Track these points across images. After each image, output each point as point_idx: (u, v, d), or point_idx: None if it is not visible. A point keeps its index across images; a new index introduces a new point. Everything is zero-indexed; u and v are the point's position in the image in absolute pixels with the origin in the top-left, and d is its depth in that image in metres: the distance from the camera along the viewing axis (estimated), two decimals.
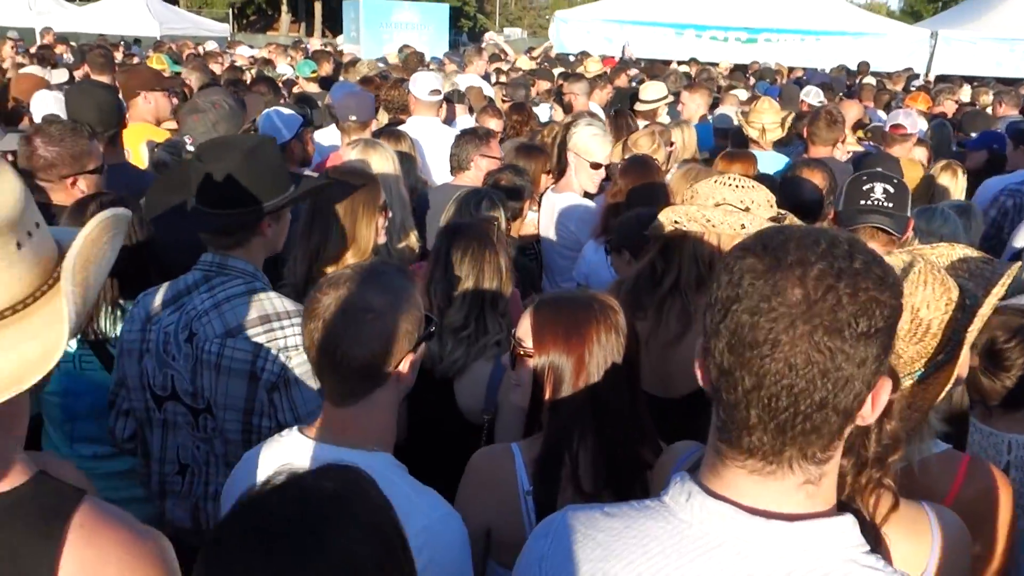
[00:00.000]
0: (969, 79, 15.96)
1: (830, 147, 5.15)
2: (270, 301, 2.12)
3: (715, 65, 16.14)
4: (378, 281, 1.62)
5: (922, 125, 6.72)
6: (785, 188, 3.72)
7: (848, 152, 5.83)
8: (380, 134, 5.02)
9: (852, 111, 7.31)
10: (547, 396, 1.81)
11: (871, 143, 6.73)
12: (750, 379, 0.99)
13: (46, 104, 4.91)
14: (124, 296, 2.49)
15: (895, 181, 3.03)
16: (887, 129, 5.73)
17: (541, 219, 4.43)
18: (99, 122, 3.65)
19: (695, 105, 7.31)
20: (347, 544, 1.08)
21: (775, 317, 0.96)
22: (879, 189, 2.95)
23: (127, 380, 2.23)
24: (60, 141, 2.99)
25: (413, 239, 3.50)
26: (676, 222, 2.44)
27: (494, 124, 5.89)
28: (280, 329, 2.08)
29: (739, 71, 15.07)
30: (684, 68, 14.15)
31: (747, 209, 2.44)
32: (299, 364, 2.07)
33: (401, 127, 5.67)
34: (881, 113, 9.53)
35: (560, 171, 4.68)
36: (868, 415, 1.02)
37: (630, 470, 1.76)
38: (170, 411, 2.17)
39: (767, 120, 5.57)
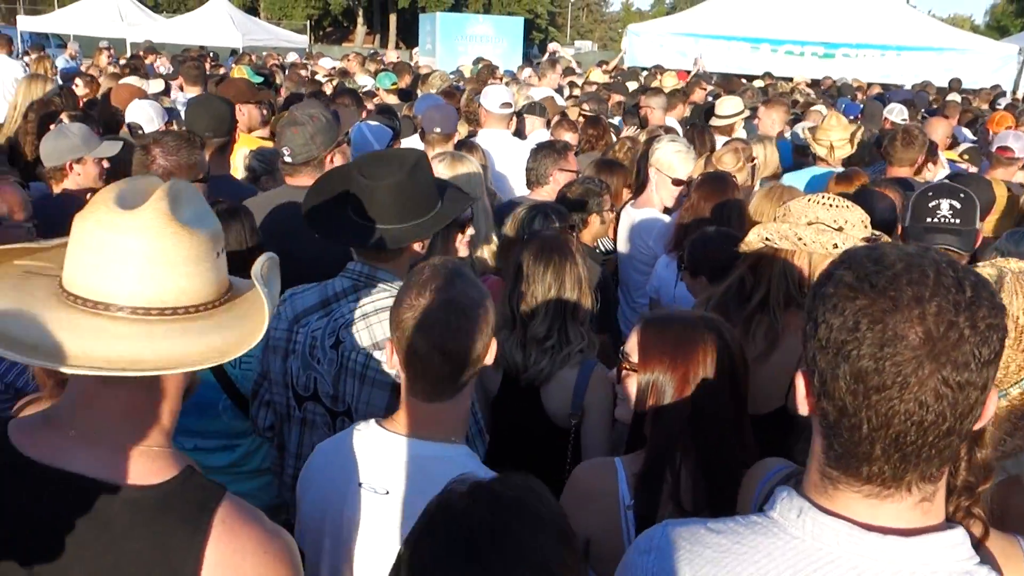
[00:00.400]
0: None
1: (908, 167, 4.99)
2: None
3: (790, 80, 15.89)
4: (466, 277, 1.71)
5: None
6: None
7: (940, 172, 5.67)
8: (457, 147, 5.12)
9: (940, 129, 7.10)
10: (650, 412, 1.84)
11: (963, 164, 6.53)
12: (877, 419, 1.00)
13: (139, 113, 5.16)
14: None
15: (962, 195, 2.97)
16: (993, 150, 5.55)
17: (619, 234, 4.46)
18: (212, 131, 3.89)
19: (771, 121, 7.24)
20: (540, 547, 1.13)
21: (900, 360, 0.97)
22: (945, 205, 2.89)
23: (270, 374, 2.32)
24: (177, 151, 3.21)
25: (490, 251, 3.56)
26: (767, 239, 2.45)
27: (569, 138, 5.93)
28: None
29: (814, 87, 14.82)
30: (758, 83, 13.98)
31: (840, 229, 2.44)
32: None
33: (472, 139, 5.79)
34: (966, 131, 9.26)
35: (639, 186, 4.70)
36: (977, 426, 1.05)
37: (731, 489, 1.77)
38: (309, 410, 2.26)
39: (835, 137, 5.47)
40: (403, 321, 1.66)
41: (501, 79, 10.87)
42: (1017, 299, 1.51)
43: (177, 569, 1.15)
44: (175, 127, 5.38)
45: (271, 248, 2.96)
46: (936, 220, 2.87)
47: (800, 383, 1.11)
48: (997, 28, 47.91)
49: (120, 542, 1.15)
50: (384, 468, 1.70)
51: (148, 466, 1.21)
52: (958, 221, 2.87)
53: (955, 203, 2.92)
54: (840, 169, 5.37)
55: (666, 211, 4.37)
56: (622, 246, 4.40)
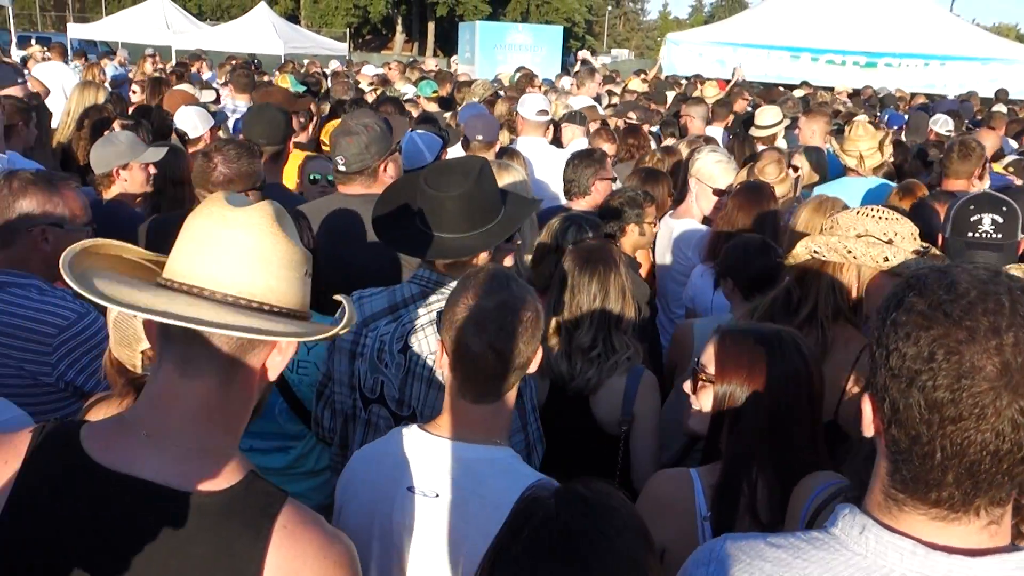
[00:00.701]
0: None
1: (965, 180, 4.90)
2: None
3: (830, 90, 15.73)
4: (518, 281, 1.75)
5: None
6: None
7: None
8: (498, 154, 5.18)
9: (989, 141, 6.98)
10: (726, 424, 1.87)
11: (1010, 177, 6.42)
12: (951, 448, 1.00)
13: (185, 119, 5.29)
14: None
15: (1004, 208, 2.93)
16: None
17: (657, 244, 4.46)
18: (266, 139, 4.00)
19: (811, 131, 7.16)
20: (628, 544, 1.18)
21: (978, 392, 0.97)
22: (987, 221, 2.86)
23: (336, 375, 2.37)
24: (237, 160, 3.29)
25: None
26: (815, 252, 2.45)
27: (607, 147, 5.93)
28: None
29: (855, 96, 14.65)
30: (798, 92, 13.85)
31: (890, 241, 2.43)
32: None
33: (513, 147, 5.84)
34: (1013, 143, 9.10)
35: (679, 196, 4.70)
36: None
37: None
38: (374, 413, 2.31)
39: (864, 146, 5.39)
40: (456, 321, 1.70)
41: (540, 88, 10.92)
42: None
43: (240, 573, 1.19)
44: (221, 134, 5.50)
45: (324, 254, 3.05)
46: (978, 235, 2.85)
47: (867, 407, 1.12)
48: None
49: (186, 547, 1.19)
50: (432, 472, 1.72)
51: (215, 471, 1.24)
52: (1000, 236, 2.85)
53: (997, 217, 2.89)
54: (874, 179, 5.32)
55: (706, 221, 4.36)
56: (660, 256, 4.40)
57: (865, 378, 2.25)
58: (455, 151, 5.88)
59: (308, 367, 2.67)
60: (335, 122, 5.47)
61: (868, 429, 1.12)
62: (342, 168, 3.27)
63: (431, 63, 17.15)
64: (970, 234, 2.86)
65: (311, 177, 4.63)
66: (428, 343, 2.21)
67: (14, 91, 5.79)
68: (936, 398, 1.00)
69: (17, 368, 2.33)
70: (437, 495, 1.70)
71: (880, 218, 2.47)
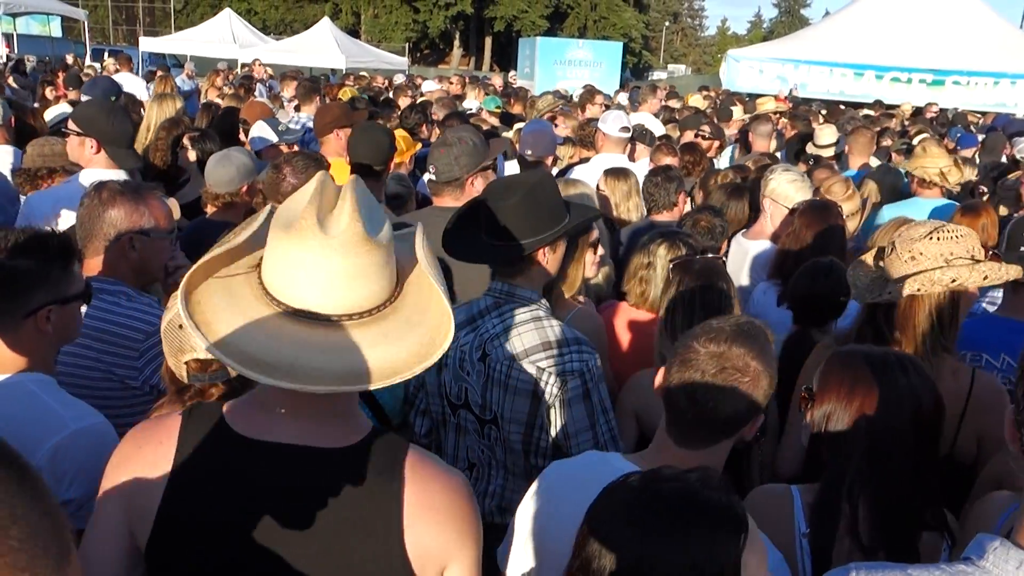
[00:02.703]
0: None
1: None
2: (552, 329, 2.32)
3: (896, 107, 15.43)
4: (755, 343, 1.71)
5: None
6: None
7: None
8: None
9: None
10: (826, 444, 1.85)
11: None
12: None
13: (258, 132, 5.41)
14: None
15: None
16: None
17: (730, 264, 4.40)
18: (369, 159, 4.04)
19: (858, 151, 6.99)
20: (732, 505, 1.23)
21: None
22: None
23: (427, 386, 2.50)
24: (304, 171, 3.39)
25: (604, 274, 3.59)
26: (918, 290, 2.37)
27: (670, 161, 5.91)
28: (560, 356, 2.27)
29: (917, 115, 14.32)
30: (866, 111, 13.60)
31: (976, 259, 2.37)
32: (574, 388, 2.26)
33: (589, 163, 5.83)
34: None
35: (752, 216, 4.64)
36: None
37: (907, 530, 1.74)
38: (462, 417, 2.43)
39: (943, 164, 5.25)
40: (682, 371, 1.71)
41: (601, 103, 10.90)
42: None
43: (385, 512, 1.34)
44: (286, 148, 5.60)
45: None
46: None
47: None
48: None
49: (336, 496, 1.34)
50: None
51: (346, 430, 1.39)
52: None
53: None
54: (940, 199, 5.17)
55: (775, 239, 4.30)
56: (734, 276, 4.33)
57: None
58: (511, 167, 5.92)
59: None
60: (398, 132, 5.55)
61: (1018, 451, 1.13)
62: (432, 178, 3.35)
63: (498, 80, 17.25)
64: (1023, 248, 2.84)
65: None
66: (504, 350, 2.29)
67: None
68: None
69: (107, 372, 2.41)
70: None
71: (958, 237, 2.40)
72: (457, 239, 2.46)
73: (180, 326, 1.78)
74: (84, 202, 2.58)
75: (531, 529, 1.83)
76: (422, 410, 2.59)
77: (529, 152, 5.21)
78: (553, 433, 2.29)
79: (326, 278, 1.28)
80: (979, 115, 15.07)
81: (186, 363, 1.80)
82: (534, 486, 1.88)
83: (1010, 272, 2.40)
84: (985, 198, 5.72)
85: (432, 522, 1.37)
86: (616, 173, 4.74)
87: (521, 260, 2.33)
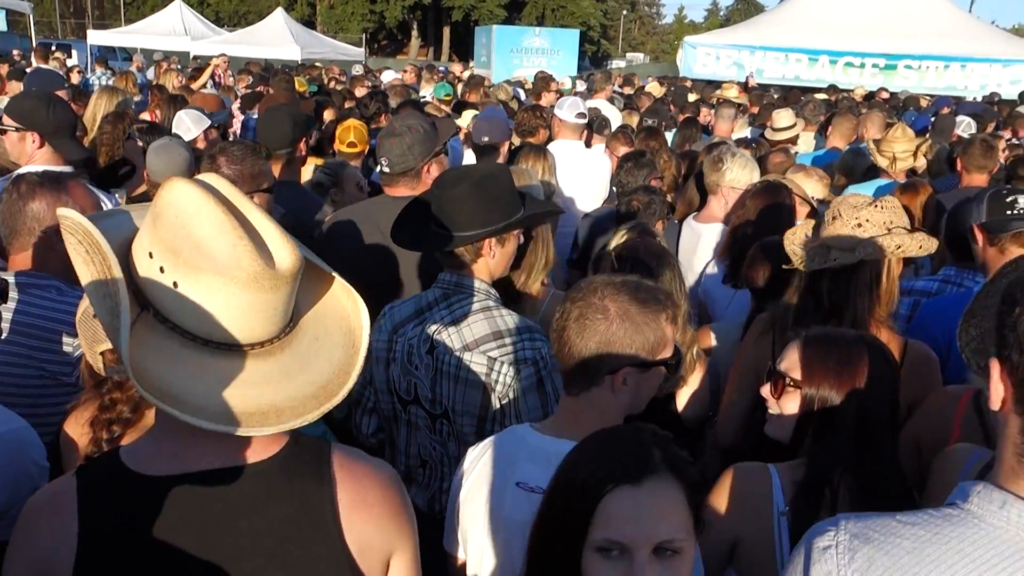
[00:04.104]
0: None
1: (986, 176, 4.89)
2: (502, 318, 2.28)
3: (850, 91, 15.64)
4: (631, 293, 1.73)
5: None
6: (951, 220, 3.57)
7: None
8: (520, 152, 5.13)
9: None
10: (814, 428, 1.87)
11: None
12: None
13: (180, 123, 5.27)
14: None
15: None
16: None
17: (682, 248, 4.39)
18: (275, 143, 3.96)
19: (839, 134, 7.09)
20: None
21: None
22: (1022, 200, 3.02)
23: (375, 382, 2.44)
24: (241, 161, 3.25)
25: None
26: (870, 254, 2.41)
27: (624, 150, 5.90)
28: (512, 344, 2.24)
29: (868, 99, 14.51)
30: (821, 96, 13.76)
31: (911, 230, 2.47)
32: (527, 376, 2.22)
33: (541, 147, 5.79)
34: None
35: (699, 198, 4.64)
36: None
37: (884, 507, 1.79)
38: (413, 413, 2.38)
39: (898, 149, 5.36)
40: (558, 313, 1.80)
41: (557, 91, 10.87)
42: None
43: (320, 516, 1.30)
44: (222, 135, 5.47)
45: (373, 257, 3.02)
46: (1015, 212, 2.96)
47: (996, 382, 1.15)
48: None
49: (265, 512, 1.28)
50: (536, 467, 1.76)
51: (263, 442, 1.31)
52: None
53: None
54: (904, 181, 5.26)
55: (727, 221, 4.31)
56: (686, 260, 4.33)
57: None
58: (467, 157, 5.86)
59: None
60: (351, 122, 5.46)
61: (996, 403, 1.15)
62: (386, 169, 3.27)
63: (457, 68, 17.09)
64: (1008, 212, 2.97)
65: (358, 185, 4.65)
66: (452, 341, 2.25)
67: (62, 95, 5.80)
68: None
69: (38, 369, 2.32)
70: (542, 490, 1.72)
71: (896, 208, 2.48)
72: (406, 228, 2.43)
73: (95, 315, 1.71)
74: (3, 197, 2.48)
75: (465, 511, 1.86)
76: (370, 409, 2.53)
77: (486, 138, 5.15)
78: (506, 424, 2.24)
79: (270, 311, 1.22)
80: (929, 98, 15.32)
81: (101, 353, 1.73)
82: (459, 472, 1.91)
83: (934, 244, 2.50)
84: None
85: (370, 517, 1.36)
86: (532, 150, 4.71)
87: (469, 251, 2.30)
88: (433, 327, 2.29)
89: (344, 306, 1.37)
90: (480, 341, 2.23)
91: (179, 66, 14.44)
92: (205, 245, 1.16)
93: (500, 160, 4.75)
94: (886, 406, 1.87)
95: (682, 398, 2.61)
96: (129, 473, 1.27)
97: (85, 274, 1.21)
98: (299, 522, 1.29)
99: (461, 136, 6.49)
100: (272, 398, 1.21)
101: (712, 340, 2.94)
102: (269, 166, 3.51)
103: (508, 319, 2.27)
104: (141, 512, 1.26)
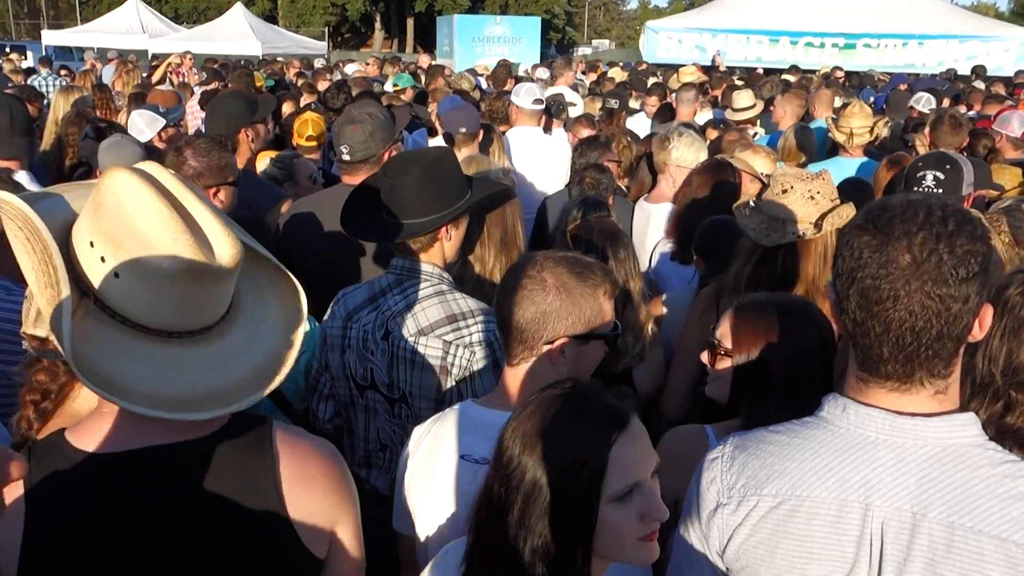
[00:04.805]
0: None
1: (955, 152, 4.97)
2: (456, 302, 2.29)
3: (813, 72, 15.79)
4: (569, 267, 1.77)
5: None
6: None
7: None
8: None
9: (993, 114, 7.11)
10: (747, 392, 1.93)
11: None
12: (880, 326, 1.27)
13: (133, 124, 5.20)
14: None
15: (947, 166, 3.23)
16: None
17: (635, 228, 4.43)
18: (218, 131, 3.96)
19: (782, 112, 7.12)
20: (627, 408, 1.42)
21: (893, 279, 1.24)
22: (930, 177, 3.21)
23: (331, 369, 2.45)
24: (208, 153, 3.24)
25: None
26: (835, 225, 2.47)
27: (587, 133, 5.93)
28: (466, 327, 2.25)
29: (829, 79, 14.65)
30: (788, 76, 13.87)
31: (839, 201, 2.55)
32: (482, 358, 2.24)
33: (503, 137, 5.80)
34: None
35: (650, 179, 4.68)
36: (978, 334, 1.30)
37: None
38: (370, 398, 2.39)
39: (855, 125, 5.42)
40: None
41: (516, 78, 10.86)
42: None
43: (262, 488, 1.33)
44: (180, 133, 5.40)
45: (333, 246, 3.01)
46: (920, 189, 3.12)
47: (833, 311, 1.38)
48: (1022, 15, 47.12)
49: (209, 486, 1.31)
50: (479, 439, 1.78)
51: (203, 421, 1.32)
52: (940, 191, 3.18)
53: (939, 174, 3.22)
54: (863, 158, 5.34)
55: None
56: (638, 240, 4.37)
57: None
58: (437, 144, 5.84)
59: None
60: (309, 115, 5.44)
61: (839, 329, 1.36)
62: (347, 158, 3.25)
63: (425, 59, 16.97)
64: (915, 188, 3.15)
65: (311, 177, 4.63)
66: (407, 326, 2.26)
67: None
68: (865, 286, 1.27)
69: None
70: (487, 460, 1.74)
71: (831, 180, 2.54)
72: (356, 218, 2.42)
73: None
74: None
75: (412, 488, 1.89)
76: (326, 395, 2.54)
77: (463, 129, 5.14)
78: None
79: (211, 301, 1.25)
80: (888, 75, 15.52)
81: (24, 335, 1.72)
82: (404, 452, 1.93)
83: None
84: None
85: (312, 489, 1.39)
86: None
87: (424, 236, 2.30)
88: (388, 312, 2.30)
89: (285, 293, 1.39)
90: (435, 325, 2.24)
91: (142, 64, 14.20)
92: (146, 237, 1.18)
93: (476, 150, 4.75)
94: (816, 366, 1.91)
95: (640, 374, 2.65)
96: (74, 452, 1.30)
97: (25, 261, 1.21)
98: (242, 494, 1.32)
99: (438, 125, 6.47)
100: (211, 383, 1.23)
101: (663, 311, 2.98)
102: (235, 160, 3.50)
103: (462, 302, 2.29)
104: (86, 490, 1.28)
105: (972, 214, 1.28)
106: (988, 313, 1.29)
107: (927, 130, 5.51)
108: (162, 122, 5.09)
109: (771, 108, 7.47)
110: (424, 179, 2.28)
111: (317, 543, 1.39)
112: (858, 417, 1.32)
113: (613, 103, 7.70)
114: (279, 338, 1.33)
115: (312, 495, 1.38)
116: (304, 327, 1.33)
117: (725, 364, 2.00)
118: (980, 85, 12.82)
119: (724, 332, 2.02)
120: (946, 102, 9.81)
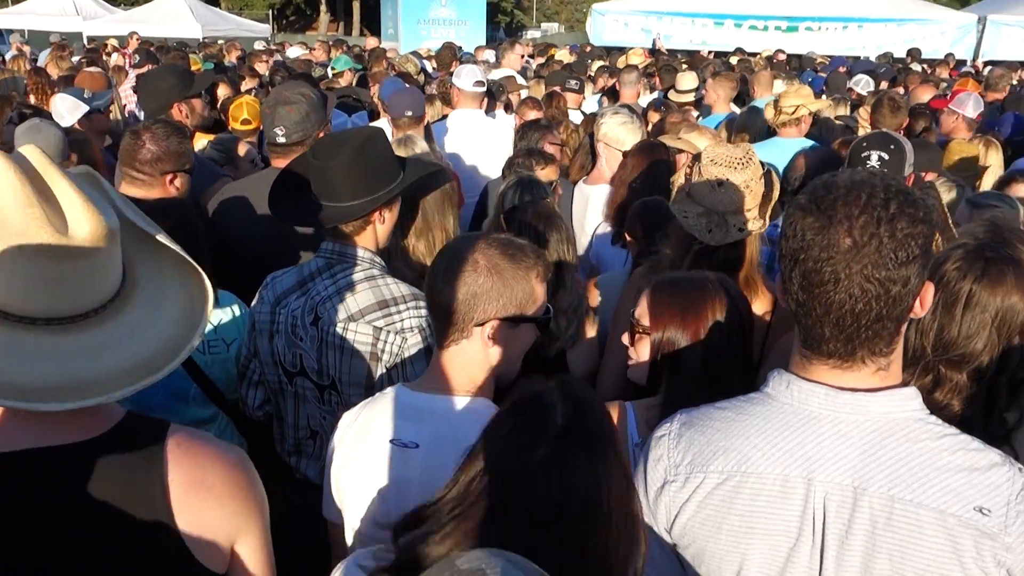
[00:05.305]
0: (1021, 65, 15.55)
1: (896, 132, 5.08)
2: (387, 287, 2.25)
3: (755, 55, 15.96)
4: (500, 248, 1.75)
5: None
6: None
7: None
8: None
9: (927, 96, 7.32)
10: (665, 369, 1.93)
11: None
12: (821, 308, 1.28)
13: (54, 109, 5.03)
14: None
15: (892, 146, 3.26)
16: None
17: (574, 210, 4.42)
18: (149, 111, 3.85)
19: (715, 96, 7.17)
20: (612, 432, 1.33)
21: (834, 262, 1.24)
22: (874, 156, 3.23)
23: (260, 355, 2.39)
24: (166, 139, 3.15)
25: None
26: (770, 219, 2.50)
27: (534, 115, 5.91)
28: (397, 313, 2.21)
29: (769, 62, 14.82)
30: (734, 59, 13.99)
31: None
32: (414, 344, 2.21)
33: (446, 120, 5.74)
34: None
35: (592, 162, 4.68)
36: (919, 312, 1.32)
37: None
38: (299, 385, 2.34)
39: (785, 103, 5.48)
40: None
41: (460, 60, 10.75)
42: None
43: (148, 496, 1.26)
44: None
45: (265, 232, 2.94)
46: (869, 165, 3.15)
47: (778, 287, 1.39)
48: None
49: (92, 491, 1.24)
50: (409, 423, 1.77)
51: (89, 422, 1.27)
52: (885, 171, 3.07)
53: (884, 154, 3.23)
54: (804, 140, 5.38)
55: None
56: (578, 223, 4.37)
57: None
58: (383, 128, 5.74)
59: (217, 345, 2.67)
60: (245, 98, 5.31)
61: (783, 302, 1.37)
62: (281, 140, 3.16)
63: (373, 42, 16.68)
64: (859, 168, 3.06)
65: (252, 161, 4.52)
66: (337, 312, 2.22)
67: None
68: (807, 267, 1.27)
69: None
70: (417, 445, 1.75)
71: (751, 160, 2.49)
72: (284, 203, 2.37)
73: None
74: None
75: (340, 474, 1.86)
76: (255, 382, 2.49)
77: (409, 113, 5.07)
78: None
79: (69, 281, 1.17)
80: (829, 58, 15.77)
81: None
82: (333, 438, 1.89)
83: None
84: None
85: (208, 499, 1.31)
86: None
87: (356, 221, 2.25)
88: (317, 297, 2.25)
89: (188, 283, 1.33)
90: (365, 311, 2.20)
91: (76, 47, 13.73)
92: (1, 215, 1.13)
93: (422, 134, 4.69)
94: (732, 343, 1.93)
95: (574, 355, 2.64)
96: None
97: None
98: (127, 503, 1.25)
99: (381, 109, 6.36)
100: (76, 373, 1.17)
101: (597, 295, 2.98)
102: (191, 146, 3.39)
103: (394, 288, 2.25)
104: None
105: (916, 195, 1.28)
106: (929, 291, 1.30)
107: (864, 111, 5.62)
108: (84, 108, 4.90)
109: (702, 92, 7.51)
110: (355, 161, 2.22)
111: (213, 557, 1.32)
112: (802, 393, 1.34)
113: (573, 84, 7.66)
114: (174, 329, 1.27)
115: (207, 505, 1.31)
116: (204, 324, 1.28)
117: (644, 343, 1.99)
118: (916, 67, 13.10)
119: (642, 311, 2.02)
120: (884, 84, 10.01)
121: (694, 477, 1.39)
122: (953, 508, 1.24)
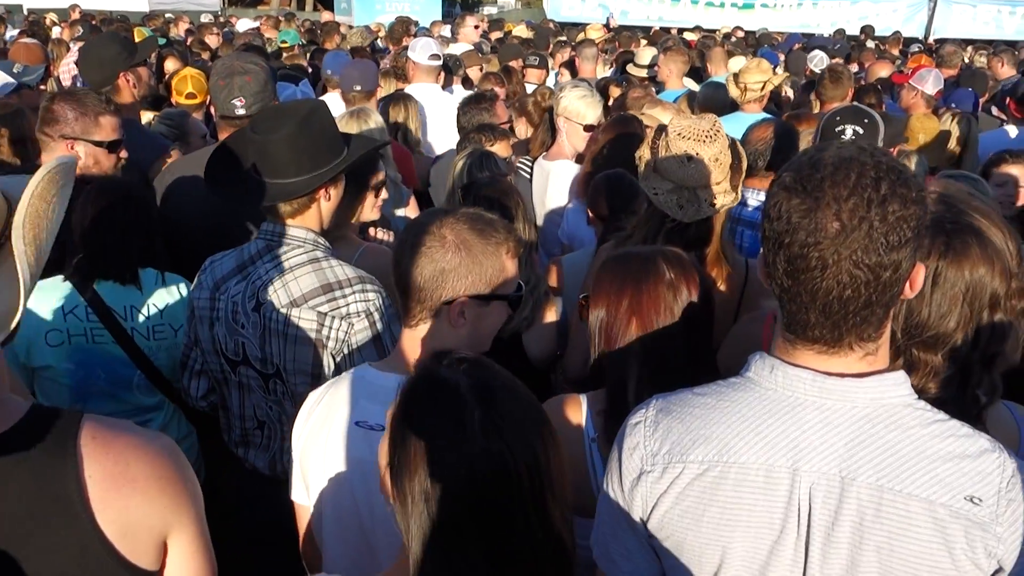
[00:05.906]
0: (969, 42, 15.78)
1: (840, 103, 5.05)
2: (331, 270, 2.13)
3: (714, 31, 15.98)
4: (469, 223, 1.67)
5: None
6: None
7: None
8: (391, 100, 4.94)
9: (884, 72, 7.33)
10: (603, 348, 1.83)
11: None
12: (807, 294, 1.22)
13: None
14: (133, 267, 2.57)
15: (865, 120, 3.22)
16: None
17: (534, 187, 4.33)
18: (95, 81, 3.65)
19: (667, 72, 7.10)
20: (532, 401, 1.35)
21: (822, 247, 1.17)
22: (849, 131, 3.17)
23: (200, 343, 2.27)
24: (77, 104, 2.97)
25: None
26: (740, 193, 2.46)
27: (497, 90, 5.79)
28: (343, 297, 2.10)
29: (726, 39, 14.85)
30: (689, 35, 13.96)
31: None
32: (361, 330, 2.11)
33: (405, 93, 5.60)
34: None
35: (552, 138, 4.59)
36: (909, 294, 1.26)
37: None
38: (243, 374, 2.22)
39: (750, 80, 5.47)
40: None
41: (415, 35, 10.56)
42: None
43: (63, 496, 1.16)
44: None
45: (214, 208, 2.82)
46: (843, 140, 3.10)
47: (761, 269, 1.32)
48: None
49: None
50: (374, 404, 1.69)
51: None
52: (874, 146, 3.03)
53: (858, 128, 3.17)
54: (762, 114, 5.36)
55: (578, 159, 4.24)
56: (538, 200, 4.28)
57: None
58: (333, 102, 5.58)
59: (163, 330, 2.58)
60: (188, 71, 5.11)
61: (766, 285, 1.31)
62: (241, 111, 2.97)
63: (327, 16, 16.28)
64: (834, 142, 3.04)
65: (203, 136, 4.36)
66: (279, 297, 2.10)
67: None
68: (792, 253, 1.20)
69: None
70: (383, 428, 1.63)
71: (718, 132, 2.41)
72: (222, 179, 2.24)
73: None
74: None
75: (306, 456, 1.79)
76: (197, 371, 2.37)
77: (359, 87, 4.91)
78: None
79: None
80: (783, 35, 15.85)
81: None
82: (299, 417, 1.82)
83: None
84: None
85: (132, 494, 1.22)
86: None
87: (299, 198, 2.13)
88: (258, 282, 2.12)
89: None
90: (308, 296, 2.09)
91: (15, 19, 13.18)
92: None
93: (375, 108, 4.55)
94: (678, 323, 1.79)
95: (529, 338, 2.55)
96: None
97: None
98: (38, 502, 1.16)
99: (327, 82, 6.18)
100: None
101: (564, 272, 2.89)
102: (111, 122, 3.17)
103: (338, 270, 2.14)
104: None
105: (908, 172, 1.21)
106: (920, 273, 1.25)
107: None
108: (13, 84, 4.65)
109: (656, 69, 7.44)
110: (298, 135, 2.09)
111: (145, 555, 1.24)
112: (787, 379, 1.28)
113: (534, 61, 7.55)
114: None
115: (132, 500, 1.22)
116: (22, 303, 1.11)
117: (588, 319, 1.89)
118: (870, 44, 13.21)
119: (586, 287, 1.95)
120: (839, 61, 10.06)
121: (673, 467, 1.31)
122: (943, 498, 1.19)
